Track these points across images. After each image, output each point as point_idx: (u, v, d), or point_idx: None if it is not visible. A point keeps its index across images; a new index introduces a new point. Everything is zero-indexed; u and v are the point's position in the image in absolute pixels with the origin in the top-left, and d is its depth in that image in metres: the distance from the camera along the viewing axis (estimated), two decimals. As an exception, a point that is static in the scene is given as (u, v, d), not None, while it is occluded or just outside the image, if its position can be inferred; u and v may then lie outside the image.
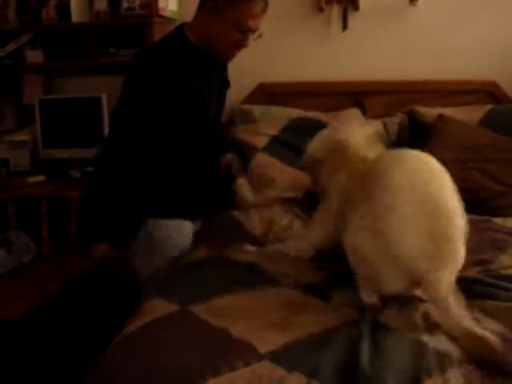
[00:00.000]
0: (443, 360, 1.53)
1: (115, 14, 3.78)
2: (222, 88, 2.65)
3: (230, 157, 3.18)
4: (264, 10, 2.32)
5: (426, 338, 1.65)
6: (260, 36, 2.38)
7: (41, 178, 3.76)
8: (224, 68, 2.63)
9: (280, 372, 1.49)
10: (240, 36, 2.30)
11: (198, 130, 2.45)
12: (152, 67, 2.29)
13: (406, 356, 1.55)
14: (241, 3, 2.24)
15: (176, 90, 2.27)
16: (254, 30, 2.32)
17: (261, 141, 3.36)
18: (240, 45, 2.35)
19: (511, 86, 3.69)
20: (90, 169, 3.76)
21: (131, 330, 1.78)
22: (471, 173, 3.01)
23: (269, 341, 1.63)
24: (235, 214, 2.86)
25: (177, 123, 2.33)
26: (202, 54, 2.37)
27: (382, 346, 1.60)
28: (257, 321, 1.76)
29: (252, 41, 2.35)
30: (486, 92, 3.69)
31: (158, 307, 1.90)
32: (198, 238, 2.63)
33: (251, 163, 3.26)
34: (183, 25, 2.42)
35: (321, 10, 3.73)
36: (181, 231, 2.56)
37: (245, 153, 3.30)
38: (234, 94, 3.35)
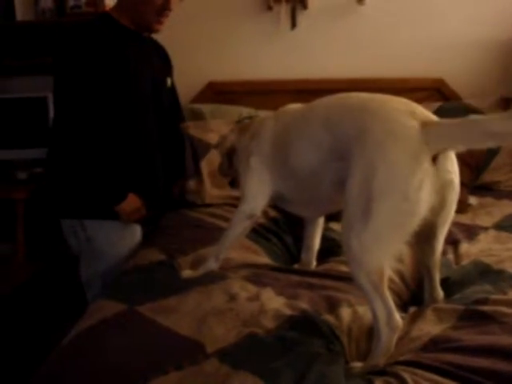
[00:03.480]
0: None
1: (61, 11, 3.71)
2: (164, 70, 2.72)
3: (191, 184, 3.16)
4: None
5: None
6: None
7: (-14, 179, 3.67)
8: (155, 50, 2.68)
9: (226, 370, 1.48)
10: (163, 0, 2.36)
11: (131, 101, 2.45)
12: (76, 41, 2.32)
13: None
14: None
15: (99, 54, 2.30)
16: None
17: (213, 138, 3.33)
18: (165, 9, 2.39)
19: (458, 83, 3.75)
20: (39, 170, 3.70)
21: (78, 331, 1.75)
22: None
23: (216, 339, 1.62)
24: (189, 213, 2.86)
25: (108, 92, 2.35)
26: (124, 28, 2.43)
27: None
28: (204, 318, 1.74)
29: (175, 4, 2.42)
30: (434, 89, 3.75)
31: (105, 307, 1.87)
32: (150, 237, 2.59)
33: (203, 161, 3.23)
34: (106, 12, 2.54)
35: (269, 8, 3.73)
36: (124, 235, 2.52)
37: (196, 151, 3.26)
38: (184, 93, 3.31)
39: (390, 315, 1.58)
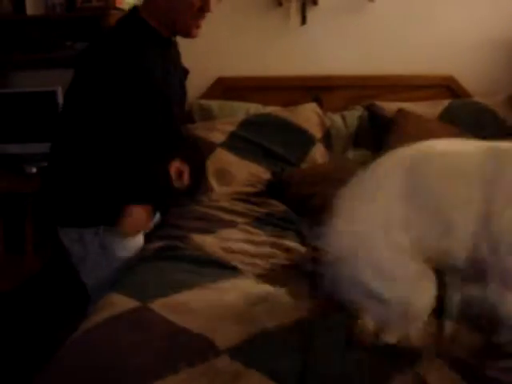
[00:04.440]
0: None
1: (71, 6, 3.70)
2: (182, 77, 2.56)
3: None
4: None
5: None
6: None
7: (-6, 173, 3.68)
8: (179, 55, 2.56)
9: (237, 367, 1.48)
10: (201, 2, 2.19)
11: (154, 115, 2.29)
12: (104, 48, 2.20)
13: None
14: None
15: (125, 68, 2.13)
16: None
17: (219, 137, 3.33)
18: (203, 11, 2.23)
19: (468, 80, 3.74)
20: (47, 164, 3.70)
21: (89, 326, 1.75)
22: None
23: (228, 336, 1.62)
24: (193, 207, 2.86)
25: (130, 106, 2.18)
26: (156, 34, 2.26)
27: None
28: (216, 316, 1.75)
29: (214, 6, 2.25)
30: (444, 87, 3.74)
31: (117, 303, 1.87)
32: (154, 231, 2.59)
33: (208, 159, 3.24)
34: (136, 8, 2.30)
35: (280, 4, 3.72)
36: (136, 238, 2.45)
37: (203, 149, 3.27)
38: (193, 89, 3.31)
39: None
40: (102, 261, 2.36)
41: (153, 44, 2.25)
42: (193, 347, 1.58)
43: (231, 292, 1.91)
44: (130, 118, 2.19)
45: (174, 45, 2.47)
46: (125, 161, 2.25)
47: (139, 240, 2.47)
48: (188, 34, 2.31)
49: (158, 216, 2.67)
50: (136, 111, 2.19)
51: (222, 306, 1.82)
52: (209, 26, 3.69)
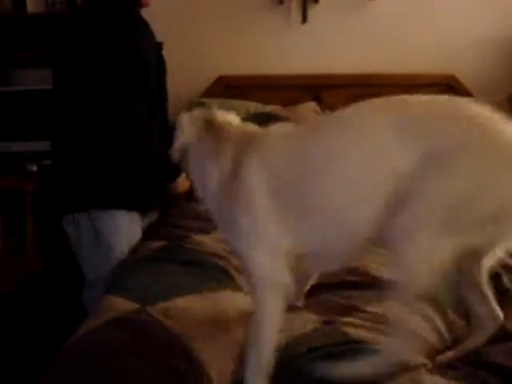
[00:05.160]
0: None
1: (72, 3, 3.71)
2: (160, 65, 2.57)
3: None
4: None
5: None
6: None
7: (-5, 171, 3.69)
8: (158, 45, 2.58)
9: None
10: None
11: (142, 87, 2.31)
12: (89, 28, 2.23)
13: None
14: None
15: (116, 42, 2.19)
16: None
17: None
18: None
19: (469, 79, 3.74)
20: (48, 162, 3.70)
21: (88, 328, 1.73)
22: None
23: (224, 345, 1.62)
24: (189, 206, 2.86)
25: (123, 78, 2.23)
26: (131, 9, 2.31)
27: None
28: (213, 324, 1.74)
29: None
30: (445, 85, 3.74)
31: (116, 305, 1.85)
32: (153, 230, 2.58)
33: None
34: None
35: (281, 2, 3.72)
36: (132, 228, 2.46)
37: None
38: (193, 87, 3.31)
39: None
40: (98, 251, 2.38)
41: (130, 18, 2.30)
42: (190, 355, 1.58)
43: (227, 300, 1.90)
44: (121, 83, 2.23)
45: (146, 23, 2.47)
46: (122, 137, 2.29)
47: (136, 229, 2.48)
48: (140, 2, 2.34)
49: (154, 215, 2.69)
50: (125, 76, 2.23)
51: (218, 314, 1.81)
52: (209, 24, 3.74)
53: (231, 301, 1.91)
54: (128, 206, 2.41)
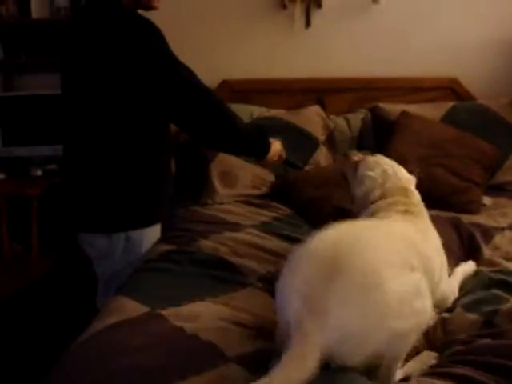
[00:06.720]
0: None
1: (76, 9, 3.72)
2: None
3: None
4: None
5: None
6: None
7: (0, 175, 3.69)
8: None
9: (245, 374, 1.47)
10: None
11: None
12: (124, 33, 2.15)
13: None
14: None
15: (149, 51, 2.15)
16: None
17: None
18: None
19: (473, 83, 3.74)
20: (53, 166, 3.72)
21: (96, 329, 1.74)
22: (434, 169, 3.03)
23: (237, 346, 1.62)
24: (200, 210, 2.88)
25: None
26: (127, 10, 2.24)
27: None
28: (227, 327, 1.74)
29: None
30: (448, 89, 3.74)
31: (126, 308, 1.86)
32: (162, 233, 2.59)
33: (213, 163, 3.24)
34: None
35: (284, 7, 3.72)
36: (155, 235, 2.49)
37: (206, 153, 3.27)
38: (197, 91, 3.30)
39: None
40: (124, 254, 2.37)
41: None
42: (202, 355, 1.57)
43: (239, 303, 1.90)
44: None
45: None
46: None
47: (157, 231, 2.49)
48: (149, 5, 2.31)
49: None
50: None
51: (232, 317, 1.80)
52: (213, 29, 3.75)
53: (244, 303, 1.92)
54: (159, 220, 2.47)
